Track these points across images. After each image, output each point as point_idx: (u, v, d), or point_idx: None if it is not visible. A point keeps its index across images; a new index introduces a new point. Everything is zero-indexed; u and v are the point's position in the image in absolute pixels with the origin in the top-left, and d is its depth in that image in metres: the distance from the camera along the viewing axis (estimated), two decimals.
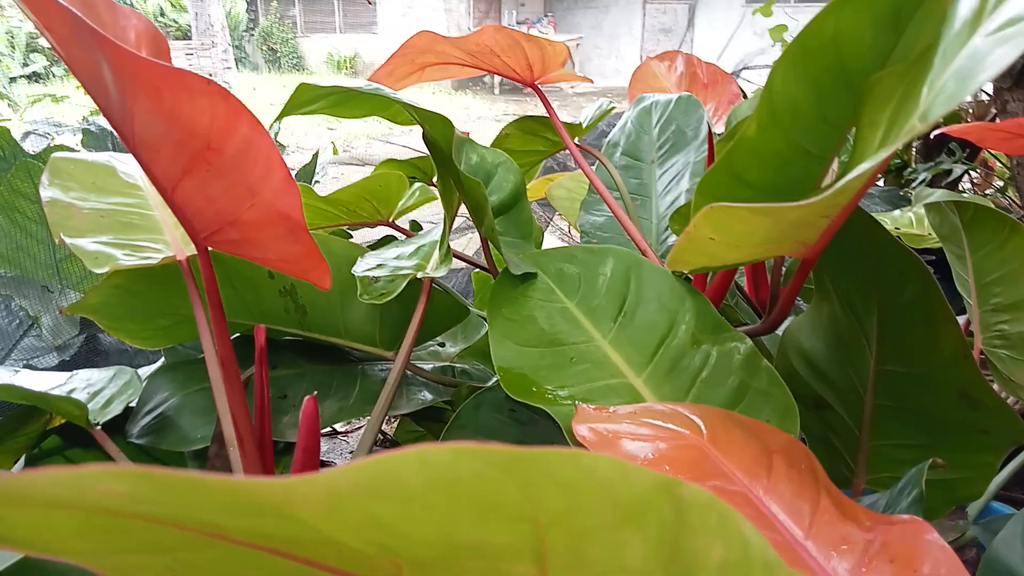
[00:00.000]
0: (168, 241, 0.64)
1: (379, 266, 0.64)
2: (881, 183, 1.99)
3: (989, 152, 1.92)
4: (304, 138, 6.45)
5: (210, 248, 0.51)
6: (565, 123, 0.84)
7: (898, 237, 1.33)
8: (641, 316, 0.55)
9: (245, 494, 0.15)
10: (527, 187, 1.33)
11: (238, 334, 0.72)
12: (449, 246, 0.61)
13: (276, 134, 1.21)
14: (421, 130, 0.62)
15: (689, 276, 0.62)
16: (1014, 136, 1.07)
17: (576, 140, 0.87)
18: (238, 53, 12.74)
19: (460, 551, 0.19)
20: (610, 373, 0.52)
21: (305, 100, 0.62)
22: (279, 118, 0.62)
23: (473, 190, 0.56)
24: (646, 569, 0.20)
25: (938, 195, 0.79)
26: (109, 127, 1.68)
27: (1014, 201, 1.81)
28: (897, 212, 1.42)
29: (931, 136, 1.65)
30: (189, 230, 0.48)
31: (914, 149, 1.94)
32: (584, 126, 0.90)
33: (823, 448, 0.68)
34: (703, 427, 0.45)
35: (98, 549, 0.22)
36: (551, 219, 1.93)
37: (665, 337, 0.54)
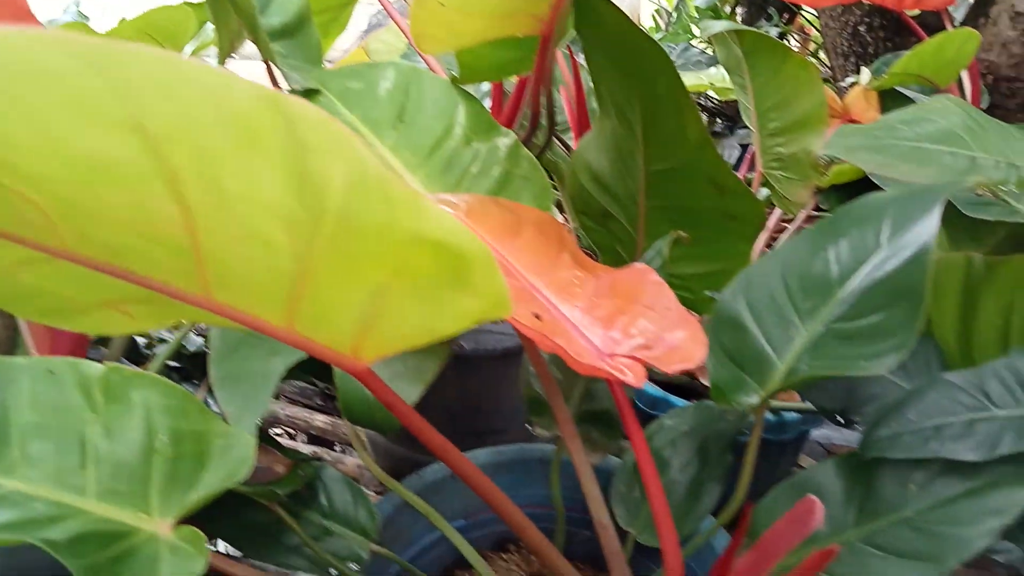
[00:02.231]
0: None
1: None
2: (710, 52, 2.08)
3: (805, 18, 2.03)
4: None
5: None
6: None
7: (709, 91, 1.39)
8: (419, 122, 0.57)
9: None
10: (351, 50, 1.30)
11: None
12: (225, 66, 0.60)
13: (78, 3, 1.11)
14: None
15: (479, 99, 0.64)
16: None
17: None
18: None
19: (83, 170, 0.20)
20: None
21: None
22: None
23: (239, 1, 0.55)
24: (284, 201, 0.23)
25: (720, 26, 0.84)
26: None
27: (825, 64, 1.94)
28: (713, 69, 1.49)
29: None
30: None
31: (739, 17, 2.02)
32: None
33: (611, 257, 0.73)
34: (462, 206, 0.48)
35: None
36: None
37: (441, 140, 0.56)
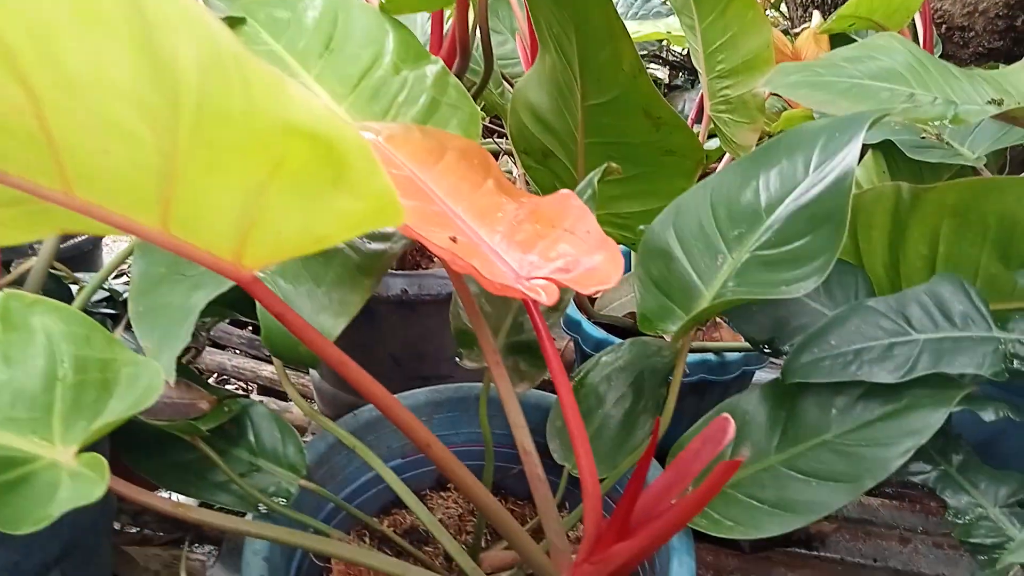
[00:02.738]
0: None
1: None
2: (668, 5, 2.06)
3: None
4: None
5: None
6: None
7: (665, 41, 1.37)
8: (347, 51, 0.55)
9: None
10: None
11: None
12: None
13: None
14: None
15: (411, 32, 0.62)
16: None
17: None
18: None
19: None
20: None
21: None
22: None
23: None
24: (136, 85, 0.21)
25: None
26: None
27: (786, 16, 1.93)
28: (671, 18, 1.48)
29: None
30: None
31: None
32: None
33: None
34: (383, 131, 0.47)
35: None
36: None
37: (369, 68, 0.54)
